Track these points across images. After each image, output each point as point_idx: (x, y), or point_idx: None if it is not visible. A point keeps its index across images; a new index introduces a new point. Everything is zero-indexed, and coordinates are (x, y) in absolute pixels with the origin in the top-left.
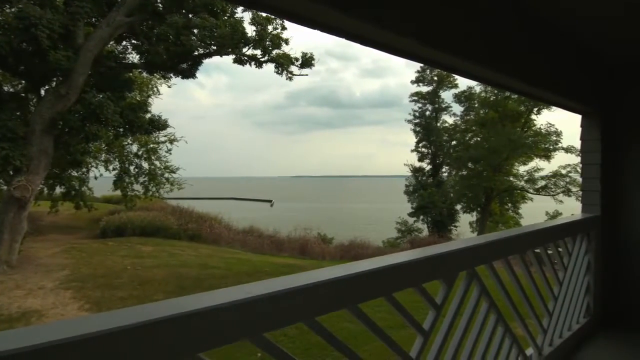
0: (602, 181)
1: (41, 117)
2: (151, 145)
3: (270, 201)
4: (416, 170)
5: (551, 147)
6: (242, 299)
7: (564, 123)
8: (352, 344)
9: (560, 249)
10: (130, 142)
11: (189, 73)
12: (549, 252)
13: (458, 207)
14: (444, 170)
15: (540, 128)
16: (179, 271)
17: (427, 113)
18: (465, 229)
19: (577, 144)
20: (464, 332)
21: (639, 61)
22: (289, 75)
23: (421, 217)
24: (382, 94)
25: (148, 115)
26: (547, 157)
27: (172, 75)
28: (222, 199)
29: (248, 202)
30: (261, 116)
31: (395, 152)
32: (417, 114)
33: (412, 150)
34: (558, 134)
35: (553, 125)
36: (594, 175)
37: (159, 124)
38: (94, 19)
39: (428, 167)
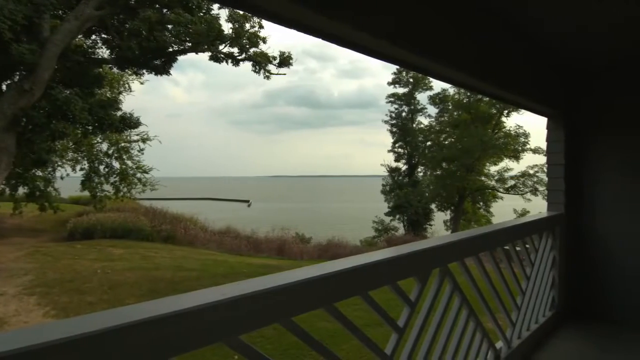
0: (566, 180)
1: (2, 113)
2: (122, 144)
3: (247, 201)
4: (393, 170)
5: (520, 148)
6: (217, 300)
7: (532, 125)
8: (330, 343)
9: (527, 246)
10: (100, 140)
11: (162, 70)
12: (517, 248)
13: (433, 206)
14: (419, 170)
15: (510, 130)
16: (152, 274)
17: (403, 114)
18: (439, 227)
19: (544, 145)
20: (437, 327)
21: (596, 68)
22: (267, 74)
23: (397, 216)
24: (360, 95)
25: (119, 113)
26: (516, 158)
27: (144, 71)
28: (198, 199)
29: (225, 203)
30: (238, 115)
31: (373, 152)
32: (393, 115)
33: (389, 151)
34: (526, 135)
35: (522, 127)
36: (559, 175)
37: (130, 122)
38: (61, 12)
39: (404, 167)
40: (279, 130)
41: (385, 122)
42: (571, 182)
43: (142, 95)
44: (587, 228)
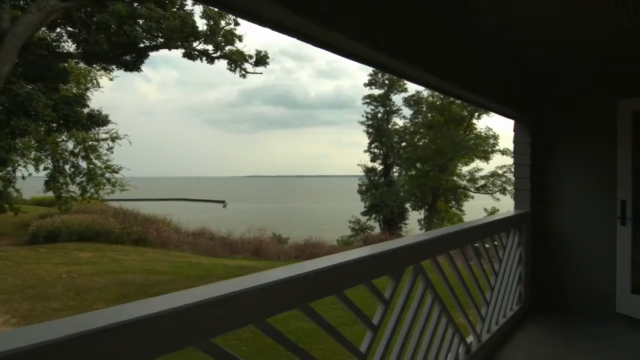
0: (531, 180)
1: None
2: (90, 143)
3: (223, 202)
4: (369, 170)
5: (489, 149)
6: (188, 303)
7: (501, 127)
8: (307, 343)
9: (496, 243)
10: (66, 138)
11: (133, 66)
12: (487, 246)
13: (407, 205)
14: (394, 170)
15: (480, 132)
16: (122, 278)
17: (379, 115)
18: (414, 226)
19: (512, 146)
20: (410, 324)
21: (557, 72)
22: (243, 72)
23: (373, 215)
24: (337, 95)
25: (86, 110)
26: (486, 159)
27: (114, 67)
28: (171, 199)
29: (199, 203)
30: (213, 114)
31: (349, 152)
32: (369, 115)
33: (365, 151)
34: (495, 137)
35: (491, 129)
36: (525, 175)
37: (98, 120)
38: (22, 2)
39: (380, 167)
40: (255, 129)
41: (362, 122)
42: (536, 181)
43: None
44: (549, 225)
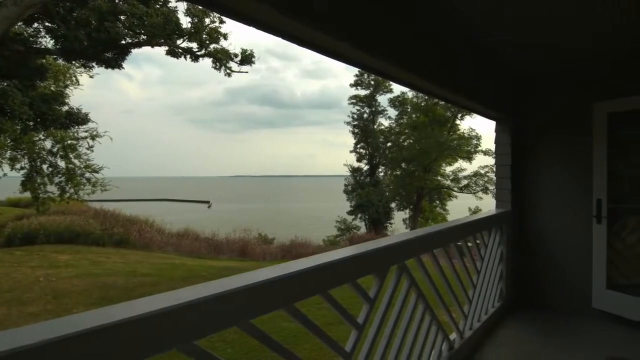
0: (512, 180)
1: None
2: (69, 142)
3: (207, 202)
4: (355, 170)
5: (472, 149)
6: (171, 305)
7: (484, 128)
8: (293, 343)
9: (478, 241)
10: (43, 137)
11: (114, 63)
12: (469, 244)
13: (393, 205)
14: (380, 170)
15: (463, 132)
16: (103, 280)
17: (365, 116)
18: (399, 225)
19: (494, 147)
20: (395, 322)
21: (536, 76)
22: (228, 71)
23: (359, 215)
24: (323, 95)
25: (65, 108)
26: (469, 159)
27: (94, 64)
28: (154, 200)
29: (183, 204)
30: (198, 113)
31: (335, 152)
32: (355, 116)
33: (351, 151)
34: (478, 138)
35: (474, 130)
36: (506, 175)
37: (78, 118)
38: None
39: (366, 167)
40: (241, 129)
41: (348, 123)
42: (516, 181)
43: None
44: (529, 223)
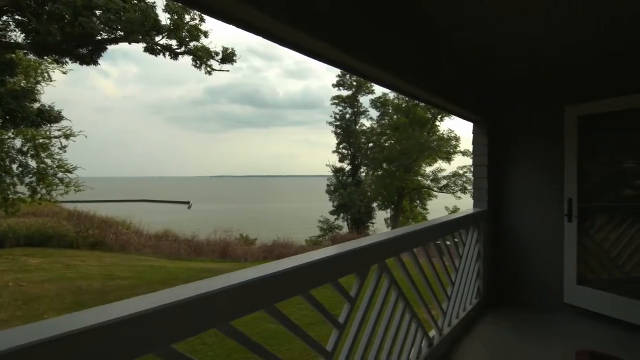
0: (489, 180)
1: None
2: (40, 140)
3: (187, 202)
4: (337, 170)
5: (451, 150)
6: (146, 309)
7: (462, 129)
8: (275, 344)
9: (456, 240)
10: (13, 135)
11: (89, 59)
12: (448, 243)
13: (374, 204)
14: (362, 170)
15: (443, 133)
16: (77, 284)
17: (347, 116)
18: (381, 225)
19: (472, 148)
20: (375, 321)
21: (512, 79)
22: (208, 69)
23: (342, 215)
24: (305, 96)
25: (36, 105)
26: (448, 159)
27: (67, 60)
28: (131, 201)
29: (162, 204)
30: (177, 111)
31: (318, 152)
32: (337, 116)
33: (334, 151)
34: (457, 139)
35: (453, 131)
36: (483, 175)
37: (50, 116)
38: None
39: (348, 168)
40: (222, 128)
41: (330, 123)
42: (493, 181)
43: (65, 86)
44: (505, 222)
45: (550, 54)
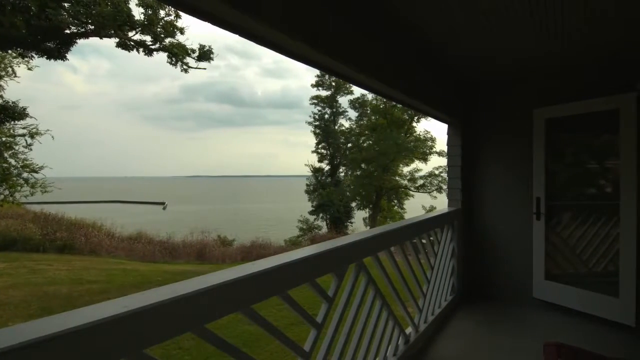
0: (462, 180)
1: None
2: (3, 139)
3: (162, 203)
4: (316, 171)
5: (427, 151)
6: (117, 314)
7: (438, 131)
8: (254, 346)
9: (432, 238)
10: None
11: (57, 53)
12: (423, 241)
13: (353, 204)
14: (341, 170)
15: (419, 134)
16: (44, 290)
17: (326, 116)
18: (359, 224)
19: (446, 148)
20: (353, 319)
21: (483, 82)
22: (184, 67)
23: (321, 214)
24: (284, 95)
25: None
26: (425, 160)
27: (33, 54)
28: (103, 202)
29: (136, 205)
30: (152, 109)
31: (297, 152)
32: (316, 116)
33: (313, 151)
34: (433, 139)
35: (429, 132)
36: (457, 175)
37: (14, 113)
38: None
39: (327, 168)
40: (198, 127)
41: (309, 123)
42: (466, 180)
43: (31, 82)
44: (478, 220)
45: (521, 63)
